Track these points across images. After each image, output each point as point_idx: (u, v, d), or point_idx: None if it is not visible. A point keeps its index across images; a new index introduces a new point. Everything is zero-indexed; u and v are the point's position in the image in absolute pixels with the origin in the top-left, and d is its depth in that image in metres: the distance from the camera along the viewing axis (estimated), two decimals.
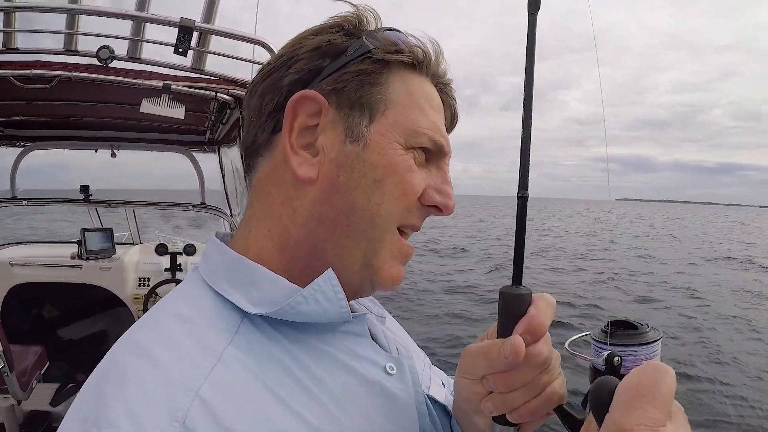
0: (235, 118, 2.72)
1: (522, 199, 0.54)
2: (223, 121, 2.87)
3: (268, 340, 0.55)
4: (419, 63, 0.62)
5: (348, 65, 0.59)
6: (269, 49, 2.13)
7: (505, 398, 0.53)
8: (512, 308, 0.53)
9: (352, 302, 0.71)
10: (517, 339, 0.50)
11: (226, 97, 2.44)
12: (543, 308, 0.52)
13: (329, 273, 0.57)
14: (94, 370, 0.50)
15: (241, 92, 2.43)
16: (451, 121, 0.68)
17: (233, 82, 2.39)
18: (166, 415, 0.44)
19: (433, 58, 0.64)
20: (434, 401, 0.68)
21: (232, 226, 3.71)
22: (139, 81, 2.18)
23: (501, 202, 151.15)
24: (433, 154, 0.62)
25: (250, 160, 0.65)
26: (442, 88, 0.66)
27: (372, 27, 0.63)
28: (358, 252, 0.59)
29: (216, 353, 0.50)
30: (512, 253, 0.56)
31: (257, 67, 2.35)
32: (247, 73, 2.36)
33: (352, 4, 0.63)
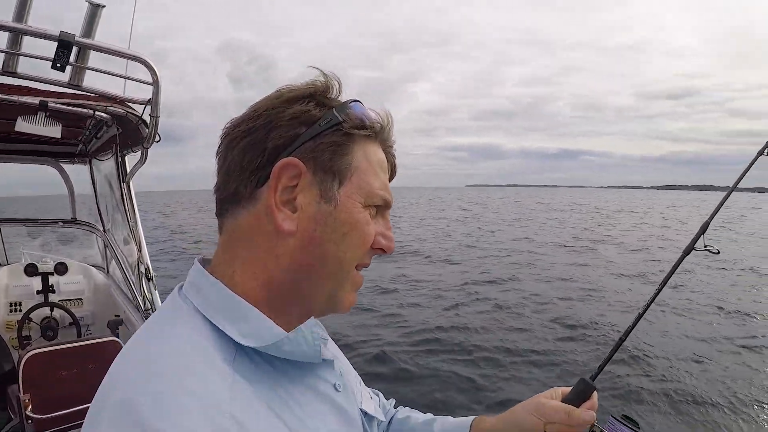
0: (111, 134, 2.61)
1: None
2: (98, 136, 2.72)
3: (257, 368, 0.64)
4: (376, 135, 0.76)
5: (322, 135, 0.70)
6: (149, 67, 2.10)
7: None
8: (584, 393, 0.92)
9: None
10: (592, 414, 0.91)
11: (103, 115, 2.34)
12: (596, 400, 0.94)
13: (312, 322, 0.70)
14: (110, 406, 0.54)
15: (119, 110, 2.34)
16: (391, 174, 0.83)
17: (112, 99, 2.29)
18: None
19: (387, 130, 0.78)
20: (365, 413, 0.86)
21: (105, 242, 3.49)
22: (15, 97, 2.03)
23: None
24: (382, 208, 0.77)
25: (227, 206, 0.73)
26: (389, 150, 0.80)
27: (335, 94, 0.75)
28: (328, 288, 0.72)
29: (228, 377, 0.59)
30: None
31: (136, 85, 2.29)
32: (129, 89, 2.27)
33: (323, 72, 0.75)
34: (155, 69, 2.15)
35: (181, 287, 0.72)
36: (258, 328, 0.66)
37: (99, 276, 3.83)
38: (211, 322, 0.65)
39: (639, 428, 0.94)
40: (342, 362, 0.90)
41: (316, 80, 0.75)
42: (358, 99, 0.77)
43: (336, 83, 0.75)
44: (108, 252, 3.63)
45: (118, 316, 3.24)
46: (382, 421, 0.97)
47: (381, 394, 1.04)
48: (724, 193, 1.31)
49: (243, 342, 0.64)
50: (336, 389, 0.76)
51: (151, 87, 2.22)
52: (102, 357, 2.57)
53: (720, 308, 9.96)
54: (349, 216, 0.72)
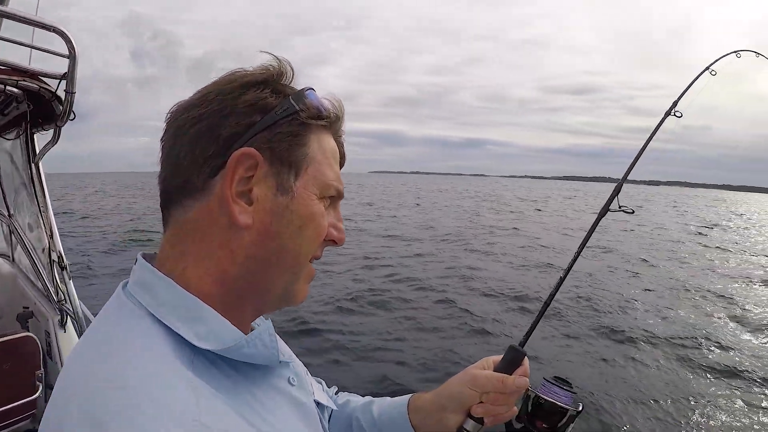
0: (21, 111, 2.40)
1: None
2: (5, 113, 2.49)
3: (218, 371, 0.63)
4: (331, 124, 0.76)
5: (278, 124, 0.69)
6: (66, 38, 1.95)
7: (493, 408, 0.92)
8: (515, 360, 0.94)
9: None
10: (526, 380, 0.93)
11: (14, 90, 2.14)
12: (527, 365, 0.95)
13: (268, 324, 0.69)
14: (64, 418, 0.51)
15: (31, 84, 2.16)
16: (341, 163, 0.82)
17: (24, 72, 2.11)
18: None
19: (340, 119, 0.78)
20: (318, 404, 0.86)
21: (11, 228, 3.20)
22: None
23: None
24: (334, 198, 0.77)
25: (176, 197, 0.69)
26: (339, 139, 0.80)
27: (289, 80, 0.74)
28: (283, 282, 0.72)
29: (191, 383, 0.56)
30: None
31: (51, 57, 2.11)
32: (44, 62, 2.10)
33: (276, 57, 0.73)
34: (73, 41, 1.99)
35: (125, 285, 0.68)
36: (215, 330, 0.63)
37: (3, 265, 3.53)
38: (162, 323, 0.62)
39: (571, 387, 0.96)
40: (287, 352, 0.89)
41: (269, 65, 0.73)
42: (311, 87, 0.75)
43: (290, 69, 0.74)
44: (13, 238, 3.32)
45: (27, 308, 2.99)
46: (333, 410, 0.99)
47: (323, 382, 1.03)
48: (632, 208, 1.37)
49: (200, 345, 0.61)
50: (291, 383, 0.76)
51: (65, 60, 2.04)
52: (17, 354, 2.38)
53: (635, 272, 11.39)
54: (306, 209, 0.71)
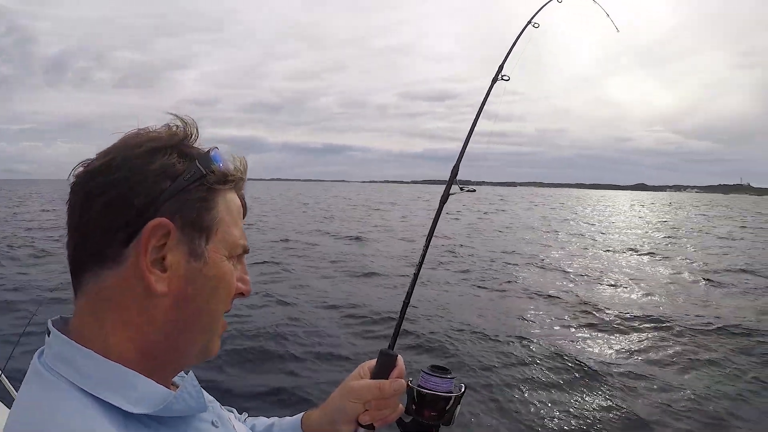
0: None
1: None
2: None
3: (150, 429, 0.65)
4: (235, 185, 0.78)
5: (186, 190, 0.70)
6: None
7: (379, 413, 0.96)
8: (388, 363, 0.98)
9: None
10: (402, 381, 0.97)
11: None
12: (402, 364, 1.00)
13: (191, 376, 0.72)
14: None
15: None
16: (244, 213, 0.83)
17: None
18: None
19: (244, 178, 0.81)
20: None
21: None
22: None
23: None
24: (240, 254, 0.79)
25: (88, 266, 0.69)
26: (241, 193, 0.82)
27: (194, 139, 0.76)
28: (201, 340, 0.75)
29: None
30: None
31: None
32: None
33: (179, 117, 0.76)
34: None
35: (40, 355, 0.68)
36: (146, 394, 0.66)
37: None
38: (91, 394, 0.62)
39: (449, 372, 0.99)
40: (209, 398, 0.88)
41: (175, 126, 0.75)
42: (216, 146, 0.77)
43: (195, 129, 0.77)
44: None
45: None
46: None
47: (234, 410, 1.03)
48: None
49: (135, 410, 0.63)
50: (214, 425, 0.78)
51: None
52: None
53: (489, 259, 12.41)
54: (217, 270, 0.73)
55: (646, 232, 23.91)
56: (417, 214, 33.21)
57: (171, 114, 0.77)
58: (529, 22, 1.54)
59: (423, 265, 1.15)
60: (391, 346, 1.03)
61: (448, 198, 1.24)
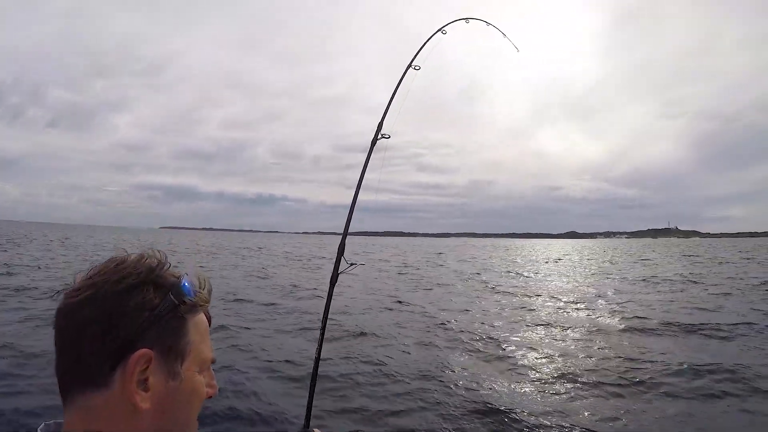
0: None
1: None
2: None
3: None
4: (203, 308, 0.93)
5: (163, 321, 0.85)
6: None
7: None
8: None
9: None
10: None
11: None
12: None
13: None
14: None
15: None
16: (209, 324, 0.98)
17: None
18: None
19: (209, 301, 0.95)
20: None
21: None
22: None
23: (43, 229, 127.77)
24: (209, 365, 0.95)
25: (79, 386, 0.81)
26: (206, 309, 0.95)
27: (167, 268, 0.90)
28: None
29: None
30: None
31: None
32: None
33: (152, 249, 0.92)
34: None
35: None
36: None
37: None
38: None
39: None
40: None
41: (148, 258, 0.89)
42: (185, 273, 0.92)
43: (166, 260, 0.91)
44: None
45: None
46: None
47: None
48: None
49: None
50: None
51: None
52: None
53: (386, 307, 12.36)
54: (191, 385, 0.89)
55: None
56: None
57: (148, 249, 0.92)
58: (440, 29, 1.85)
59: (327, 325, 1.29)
60: (307, 425, 1.13)
61: (337, 279, 1.38)
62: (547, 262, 37.47)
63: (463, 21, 2.39)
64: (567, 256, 48.62)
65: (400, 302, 13.38)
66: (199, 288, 0.92)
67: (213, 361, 0.95)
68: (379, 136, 1.80)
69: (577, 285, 19.58)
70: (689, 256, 44.28)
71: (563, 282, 20.93)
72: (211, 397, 0.94)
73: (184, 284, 0.89)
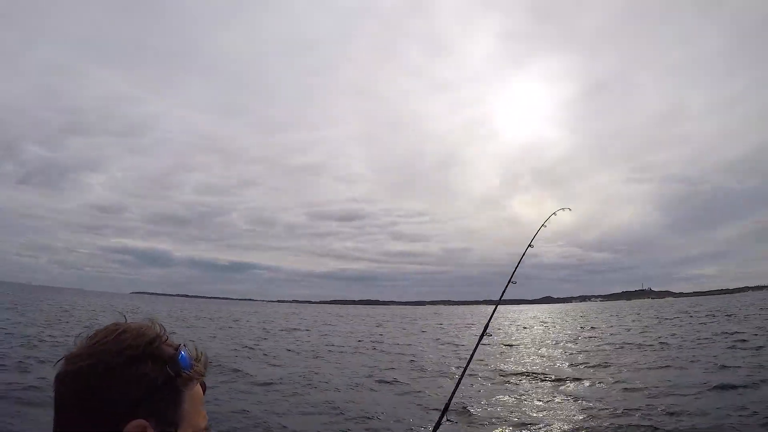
0: None
1: None
2: None
3: None
4: (199, 381, 0.97)
5: (160, 392, 0.89)
6: None
7: None
8: None
9: None
10: None
11: None
12: None
13: None
14: None
15: None
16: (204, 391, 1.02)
17: None
18: None
19: (205, 373, 0.99)
20: None
21: None
22: None
23: (10, 289, 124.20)
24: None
25: None
26: (201, 379, 0.99)
27: (163, 339, 0.94)
28: None
29: None
30: None
31: None
32: None
33: (150, 320, 0.97)
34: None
35: None
36: None
37: None
38: None
39: None
40: None
41: (146, 329, 0.93)
42: (182, 344, 0.96)
43: (164, 332, 0.95)
44: None
45: None
46: None
47: None
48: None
49: None
50: None
51: None
52: None
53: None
54: None
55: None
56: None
57: (147, 319, 0.94)
58: (542, 225, 2.58)
59: None
60: None
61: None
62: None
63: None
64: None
65: None
66: (195, 360, 0.96)
67: (207, 429, 0.98)
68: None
69: None
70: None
71: None
72: None
73: (182, 357, 0.92)
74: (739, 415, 7.90)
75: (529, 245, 2.53)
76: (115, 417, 0.83)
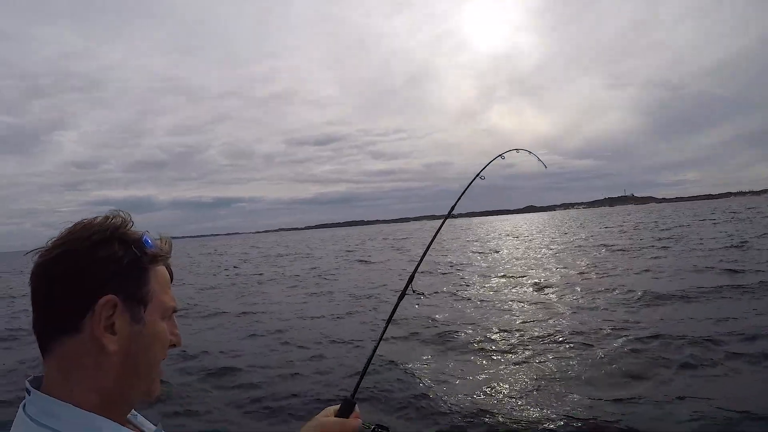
0: None
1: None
2: None
3: None
4: (163, 261, 1.00)
5: (126, 270, 0.91)
6: None
7: None
8: (349, 407, 1.22)
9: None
10: (357, 420, 1.20)
11: None
12: (357, 409, 1.22)
13: (140, 417, 1.02)
14: None
15: None
16: (171, 278, 1.04)
17: None
18: None
19: (169, 254, 1.02)
20: None
21: None
22: None
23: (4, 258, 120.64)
24: (171, 314, 1.01)
25: (54, 334, 0.88)
26: (167, 263, 1.02)
27: (129, 226, 0.96)
28: (144, 385, 0.95)
29: None
30: None
31: None
32: None
33: (116, 210, 0.97)
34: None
35: (24, 407, 0.86)
36: None
37: None
38: None
39: (388, 429, 1.24)
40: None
41: (112, 218, 0.95)
42: (147, 231, 0.99)
43: (128, 218, 0.97)
44: None
45: None
46: None
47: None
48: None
49: None
50: None
51: None
52: None
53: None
54: (154, 330, 0.95)
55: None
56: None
57: (114, 210, 0.96)
58: (477, 175, 2.10)
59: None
60: (353, 395, 1.25)
61: (403, 296, 1.60)
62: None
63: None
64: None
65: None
66: (161, 242, 1.00)
67: (175, 310, 1.02)
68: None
69: None
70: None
71: None
72: (175, 345, 1.01)
73: (146, 239, 0.96)
74: None
75: (478, 175, 2.20)
76: (87, 296, 0.87)
